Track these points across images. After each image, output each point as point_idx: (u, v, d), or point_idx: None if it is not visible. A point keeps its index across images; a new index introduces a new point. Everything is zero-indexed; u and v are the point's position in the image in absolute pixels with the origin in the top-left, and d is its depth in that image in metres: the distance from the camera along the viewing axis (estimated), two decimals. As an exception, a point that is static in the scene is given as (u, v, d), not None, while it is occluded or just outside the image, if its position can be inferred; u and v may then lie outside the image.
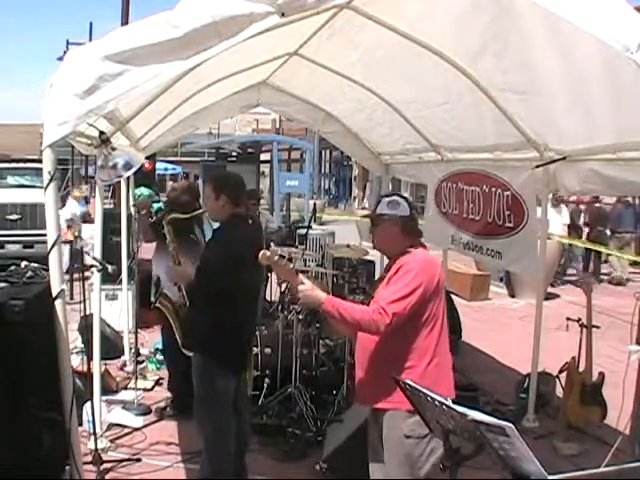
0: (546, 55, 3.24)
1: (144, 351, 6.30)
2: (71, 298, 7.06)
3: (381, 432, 2.82)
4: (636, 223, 12.17)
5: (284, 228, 8.16)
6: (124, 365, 6.02)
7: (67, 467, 2.66)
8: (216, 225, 3.76)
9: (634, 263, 11.81)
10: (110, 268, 3.49)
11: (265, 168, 22.85)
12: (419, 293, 2.62)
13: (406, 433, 2.61)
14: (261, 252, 2.63)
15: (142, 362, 6.02)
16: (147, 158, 6.42)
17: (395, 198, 2.89)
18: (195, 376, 3.45)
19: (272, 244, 6.66)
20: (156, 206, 5.75)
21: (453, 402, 2.02)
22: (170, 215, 4.28)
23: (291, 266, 2.64)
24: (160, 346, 6.27)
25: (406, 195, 2.99)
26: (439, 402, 2.06)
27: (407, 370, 2.65)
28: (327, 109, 6.48)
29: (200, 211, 4.65)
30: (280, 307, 5.46)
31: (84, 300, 3.51)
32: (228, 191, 3.48)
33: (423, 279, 2.65)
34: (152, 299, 4.41)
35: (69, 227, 5.09)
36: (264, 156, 20.47)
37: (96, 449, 3.89)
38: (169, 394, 5.19)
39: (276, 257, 2.59)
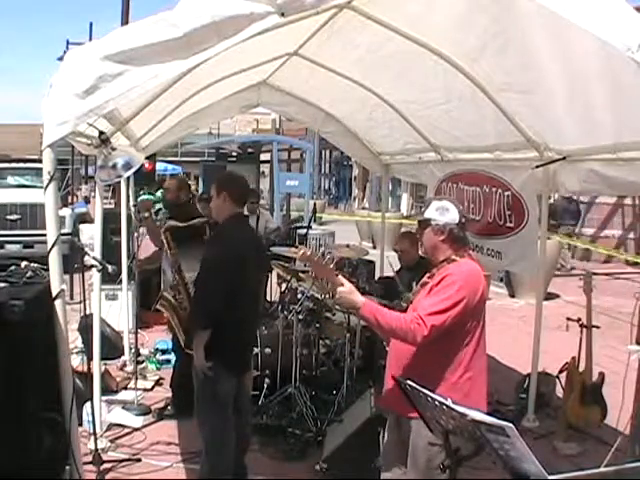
0: (546, 55, 3.23)
1: (144, 351, 6.30)
2: (71, 298, 7.06)
3: (401, 437, 2.82)
4: (576, 217, 13.41)
5: (283, 227, 8.18)
6: (124, 365, 6.02)
7: (67, 467, 2.66)
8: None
9: (635, 263, 11.86)
10: (110, 268, 3.48)
11: (265, 168, 22.84)
12: (460, 307, 2.57)
13: (431, 441, 2.57)
14: (301, 250, 2.61)
15: (142, 362, 6.02)
16: (147, 158, 6.41)
17: (444, 203, 2.80)
18: (195, 376, 3.45)
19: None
20: (157, 206, 5.75)
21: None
22: (167, 223, 4.30)
23: (331, 265, 2.61)
24: (160, 346, 6.29)
25: (456, 201, 2.88)
26: (439, 402, 2.06)
27: (437, 381, 2.62)
28: (327, 109, 6.48)
29: (196, 221, 4.67)
30: (280, 307, 5.46)
31: (84, 300, 3.50)
32: (229, 190, 3.51)
33: (466, 293, 2.59)
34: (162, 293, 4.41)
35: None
36: (264, 156, 20.45)
37: (96, 449, 3.89)
38: (169, 394, 5.19)
39: (316, 256, 2.58)
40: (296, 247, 7.01)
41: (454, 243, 2.77)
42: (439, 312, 2.54)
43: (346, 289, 2.59)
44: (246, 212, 6.91)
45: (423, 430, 2.57)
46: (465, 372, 2.66)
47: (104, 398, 4.75)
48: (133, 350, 5.61)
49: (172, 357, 5.77)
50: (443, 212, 2.77)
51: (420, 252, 3.31)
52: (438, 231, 2.76)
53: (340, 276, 2.63)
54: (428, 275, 2.84)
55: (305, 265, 6.60)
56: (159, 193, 9.24)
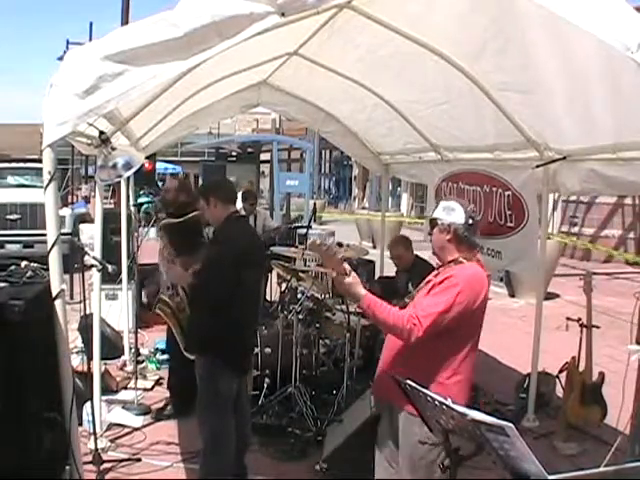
0: (546, 55, 3.23)
1: (144, 351, 6.30)
2: (71, 298, 7.06)
3: (394, 430, 2.81)
4: None
5: (282, 226, 8.19)
6: (124, 365, 6.02)
7: (67, 467, 2.66)
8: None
9: (635, 263, 11.89)
10: (110, 268, 3.48)
11: (265, 168, 22.86)
12: (458, 311, 2.57)
13: (421, 439, 2.57)
14: (310, 240, 2.65)
15: (142, 362, 6.02)
16: (147, 158, 6.41)
17: (451, 203, 2.82)
18: (198, 377, 3.46)
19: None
20: (145, 205, 5.76)
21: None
22: (162, 221, 4.32)
23: (340, 256, 2.63)
24: (160, 346, 6.29)
25: (465, 202, 2.89)
26: (439, 402, 2.06)
27: (427, 380, 2.61)
28: (327, 109, 6.48)
29: (193, 214, 4.68)
30: (280, 307, 5.46)
31: (84, 300, 3.50)
32: (215, 193, 3.56)
33: (465, 298, 2.60)
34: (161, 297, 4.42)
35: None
36: (264, 156, 20.46)
37: (96, 449, 3.89)
38: (169, 394, 5.19)
39: (325, 246, 2.61)
40: (296, 247, 7.02)
41: (460, 244, 2.77)
42: (436, 314, 2.55)
43: (350, 279, 2.60)
44: (244, 213, 6.95)
45: (413, 428, 2.59)
46: (454, 374, 2.67)
47: (104, 398, 4.75)
48: (133, 350, 5.61)
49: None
50: (449, 212, 2.78)
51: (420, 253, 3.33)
52: (444, 230, 2.78)
53: (346, 264, 2.64)
54: (434, 274, 2.85)
55: (305, 264, 6.61)
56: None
